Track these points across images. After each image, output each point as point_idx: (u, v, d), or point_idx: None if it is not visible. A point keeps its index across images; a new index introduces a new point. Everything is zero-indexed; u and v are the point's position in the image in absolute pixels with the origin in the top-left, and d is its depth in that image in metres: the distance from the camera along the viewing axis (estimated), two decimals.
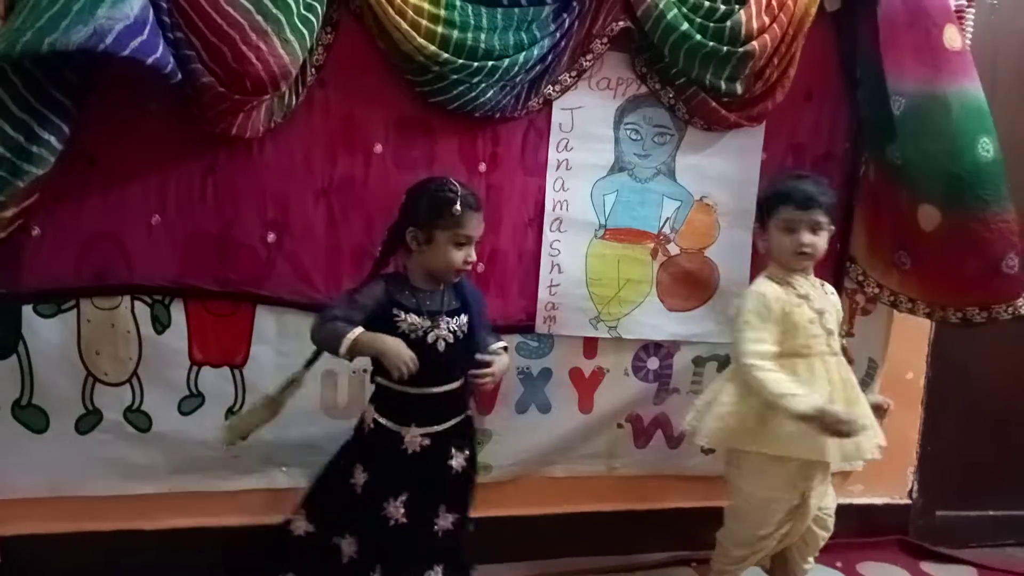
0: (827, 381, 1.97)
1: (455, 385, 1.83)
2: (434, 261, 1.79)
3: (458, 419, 1.86)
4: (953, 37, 2.15)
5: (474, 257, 1.81)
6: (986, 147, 2.11)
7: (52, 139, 1.70)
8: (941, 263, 2.22)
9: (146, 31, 1.63)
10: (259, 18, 1.77)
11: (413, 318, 1.78)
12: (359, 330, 1.71)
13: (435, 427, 1.82)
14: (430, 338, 1.79)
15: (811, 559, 2.18)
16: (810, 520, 2.07)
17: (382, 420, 1.82)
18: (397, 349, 1.71)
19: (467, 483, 1.90)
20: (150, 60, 1.64)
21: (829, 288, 2.13)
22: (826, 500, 2.11)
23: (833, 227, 2.06)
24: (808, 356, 1.98)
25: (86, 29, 1.53)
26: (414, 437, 1.80)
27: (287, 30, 1.79)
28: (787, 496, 2.01)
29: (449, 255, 1.78)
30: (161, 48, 1.67)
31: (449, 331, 1.81)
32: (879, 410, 2.10)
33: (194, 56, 1.76)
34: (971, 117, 2.12)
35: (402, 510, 1.78)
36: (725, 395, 2.02)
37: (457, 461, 1.85)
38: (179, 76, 1.73)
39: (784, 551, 2.19)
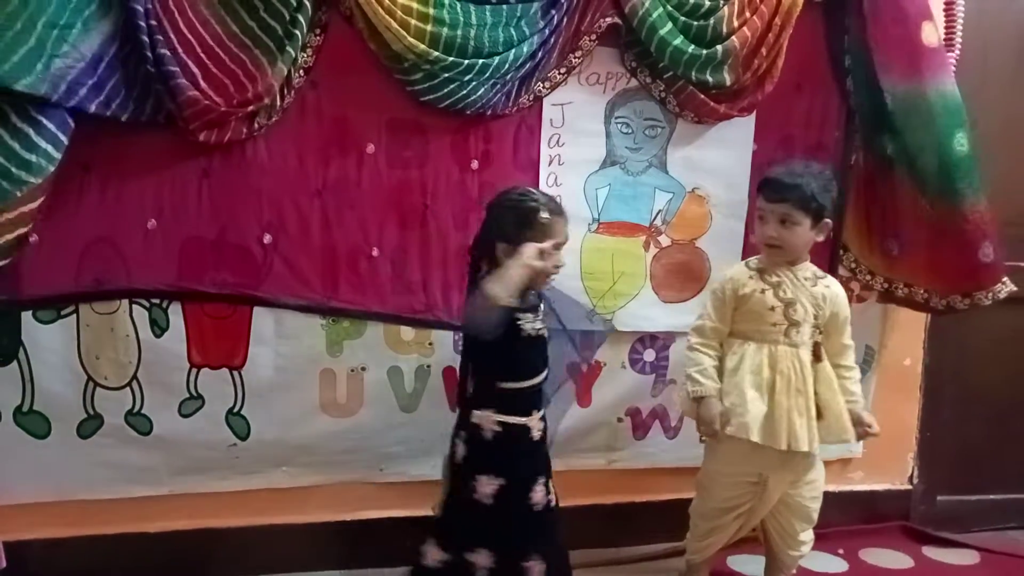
0: (769, 367, 2.00)
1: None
2: (533, 270, 1.78)
3: None
4: (930, 34, 2.22)
5: (564, 262, 1.86)
6: (961, 142, 2.22)
7: (49, 148, 1.73)
8: (929, 252, 2.32)
9: (99, 70, 1.76)
10: (257, 52, 1.90)
11: (528, 316, 1.84)
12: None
13: (544, 409, 1.92)
14: (541, 331, 1.88)
15: (798, 549, 2.17)
16: (771, 503, 2.11)
17: (508, 419, 1.84)
18: (523, 262, 1.73)
19: None
20: (92, 108, 1.76)
21: (828, 283, 2.08)
22: (803, 489, 2.11)
23: (828, 220, 2.01)
24: (759, 341, 2.03)
25: (45, 77, 1.68)
26: (537, 422, 1.88)
27: (279, 59, 1.90)
28: (739, 471, 2.08)
29: (548, 262, 1.80)
30: (108, 88, 1.78)
31: (544, 325, 1.90)
32: (860, 425, 2.06)
33: (178, 72, 1.81)
34: (948, 112, 2.22)
35: (543, 492, 1.88)
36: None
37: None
38: (124, 115, 1.83)
39: (768, 540, 2.22)
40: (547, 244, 1.77)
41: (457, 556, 1.85)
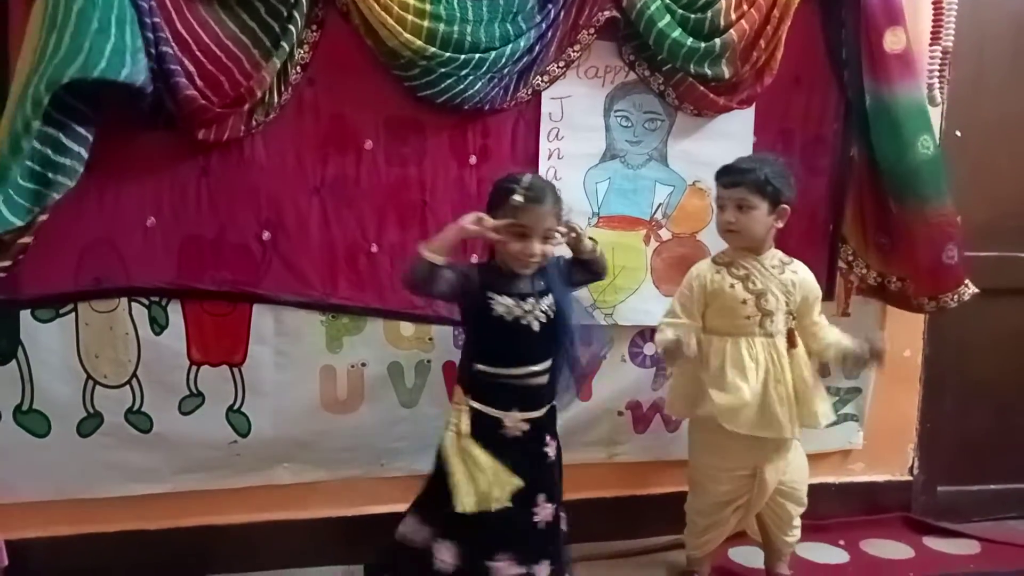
0: (752, 360, 2.02)
1: (548, 364, 1.88)
2: (502, 248, 1.84)
3: (550, 405, 1.92)
4: (894, 41, 2.23)
5: (536, 250, 1.81)
6: (925, 144, 2.24)
7: (81, 150, 1.75)
8: (902, 251, 2.36)
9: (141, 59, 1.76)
10: (255, 52, 1.90)
11: (506, 300, 1.83)
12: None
13: (534, 412, 1.87)
14: (524, 319, 1.83)
15: (792, 534, 2.20)
16: (768, 493, 2.11)
17: (478, 406, 1.83)
18: (458, 223, 1.77)
19: (559, 472, 1.96)
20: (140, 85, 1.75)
21: (796, 267, 2.10)
22: (791, 473, 2.13)
23: (786, 206, 2.02)
24: (736, 335, 2.04)
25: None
26: (516, 422, 1.85)
27: (274, 55, 1.91)
28: (733, 465, 2.08)
29: (508, 245, 1.81)
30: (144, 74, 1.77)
31: (540, 311, 1.85)
32: (876, 352, 2.05)
33: (178, 71, 1.81)
34: (911, 117, 2.25)
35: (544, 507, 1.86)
36: (676, 367, 2.16)
37: (551, 449, 1.92)
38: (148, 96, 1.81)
39: (764, 530, 2.23)
40: (501, 223, 1.78)
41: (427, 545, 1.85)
